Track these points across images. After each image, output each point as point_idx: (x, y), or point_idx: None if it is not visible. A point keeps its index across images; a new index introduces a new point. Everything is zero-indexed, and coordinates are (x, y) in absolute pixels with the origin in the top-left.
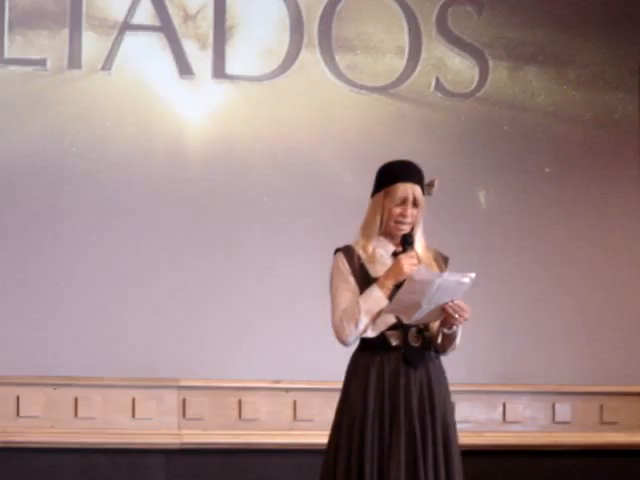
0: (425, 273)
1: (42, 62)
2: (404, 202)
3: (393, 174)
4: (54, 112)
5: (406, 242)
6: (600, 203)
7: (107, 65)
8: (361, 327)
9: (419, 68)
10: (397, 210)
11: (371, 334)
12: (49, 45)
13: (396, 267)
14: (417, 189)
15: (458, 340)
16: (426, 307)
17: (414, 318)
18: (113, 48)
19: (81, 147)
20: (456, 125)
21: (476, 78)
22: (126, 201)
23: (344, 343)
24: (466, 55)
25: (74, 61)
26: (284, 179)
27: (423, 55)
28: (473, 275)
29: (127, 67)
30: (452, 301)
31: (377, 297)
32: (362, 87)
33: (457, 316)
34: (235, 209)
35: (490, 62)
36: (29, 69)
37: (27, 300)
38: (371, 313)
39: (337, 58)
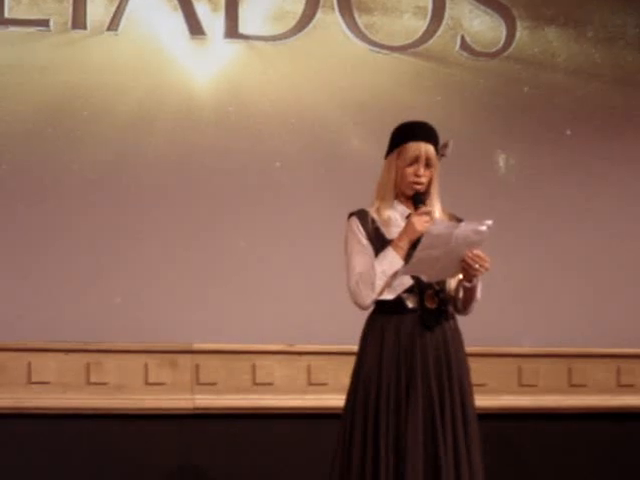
0: (442, 226)
1: (45, 23)
2: (416, 161)
3: (404, 133)
4: (59, 75)
5: (417, 201)
6: (622, 164)
7: (113, 26)
8: (378, 289)
9: (442, 28)
10: (410, 170)
11: (388, 296)
12: (52, 5)
13: (409, 227)
14: (430, 148)
15: (479, 294)
16: (446, 261)
17: (434, 275)
18: (119, 8)
19: (89, 111)
20: (476, 87)
21: (502, 38)
22: (135, 165)
23: (361, 306)
24: (491, 12)
25: (78, 21)
26: (297, 144)
27: (447, 14)
28: (490, 222)
29: (134, 28)
30: (471, 252)
31: (392, 258)
32: (382, 46)
33: (477, 266)
34: (246, 174)
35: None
36: (31, 30)
37: (37, 266)
38: (387, 275)
39: (356, 17)
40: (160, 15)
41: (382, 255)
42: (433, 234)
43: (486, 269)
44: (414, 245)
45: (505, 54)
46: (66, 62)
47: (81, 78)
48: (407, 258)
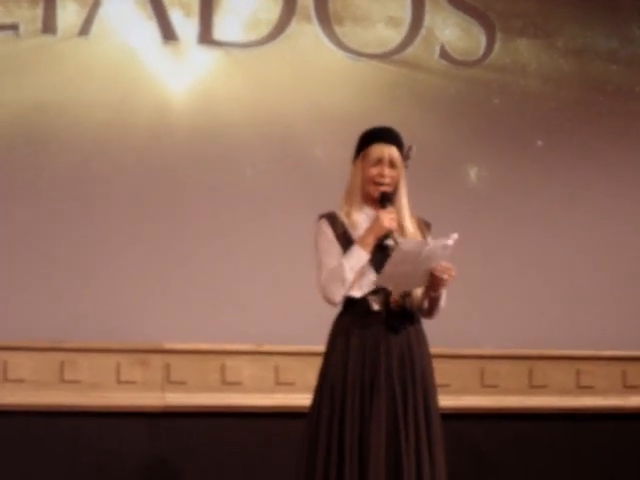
0: (412, 243)
1: (14, 27)
2: (380, 162)
3: (368, 137)
4: (28, 80)
5: (383, 200)
6: (593, 174)
7: (84, 30)
8: (347, 285)
9: (419, 37)
10: (374, 171)
11: (357, 294)
12: (22, 10)
13: (375, 223)
14: (393, 150)
15: (443, 302)
16: (414, 275)
17: (401, 287)
18: (91, 12)
19: (60, 117)
20: (449, 96)
21: (481, 48)
22: (108, 171)
23: (332, 302)
24: (471, 21)
25: (49, 26)
26: (269, 151)
27: (425, 22)
28: (456, 236)
29: (106, 33)
30: (439, 264)
31: (359, 254)
32: (359, 54)
33: (445, 277)
34: (218, 181)
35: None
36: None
37: (12, 266)
38: (354, 270)
39: (334, 26)
40: (132, 20)
41: (349, 252)
42: (403, 250)
43: (452, 277)
44: (382, 246)
45: (485, 63)
46: (37, 67)
47: (52, 84)
48: (373, 253)
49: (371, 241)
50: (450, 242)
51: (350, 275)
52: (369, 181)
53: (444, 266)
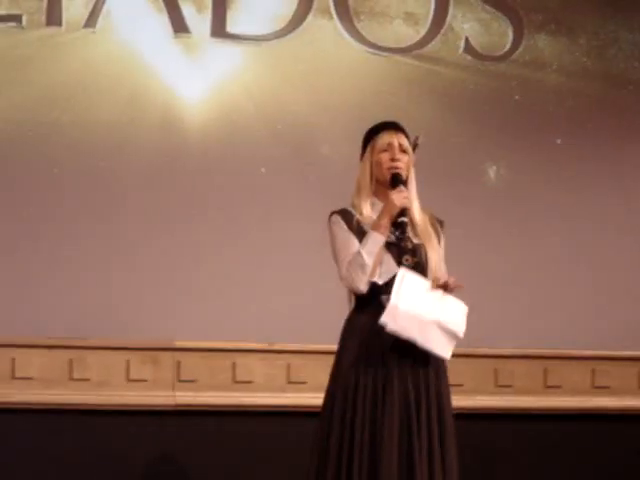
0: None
1: (17, 18)
2: (390, 147)
3: (375, 128)
4: (33, 74)
5: (395, 181)
6: (614, 173)
7: (90, 23)
8: (368, 271)
9: (431, 29)
10: (385, 156)
11: (379, 281)
12: (27, 0)
13: (388, 204)
14: (401, 137)
15: None
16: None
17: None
18: (97, 4)
19: (65, 113)
20: (467, 93)
21: (508, 43)
22: (121, 169)
23: (357, 291)
24: (497, 14)
25: (53, 18)
26: (283, 149)
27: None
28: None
29: (113, 26)
30: (450, 283)
31: (374, 237)
32: (380, 48)
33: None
34: (231, 179)
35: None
36: (2, 26)
37: (21, 263)
38: (373, 254)
39: (353, 19)
40: (141, 11)
41: (364, 239)
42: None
43: (461, 286)
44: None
45: (511, 58)
46: (41, 61)
47: (58, 79)
48: (389, 234)
49: (386, 222)
50: (427, 284)
51: (369, 260)
52: (381, 166)
53: (454, 282)
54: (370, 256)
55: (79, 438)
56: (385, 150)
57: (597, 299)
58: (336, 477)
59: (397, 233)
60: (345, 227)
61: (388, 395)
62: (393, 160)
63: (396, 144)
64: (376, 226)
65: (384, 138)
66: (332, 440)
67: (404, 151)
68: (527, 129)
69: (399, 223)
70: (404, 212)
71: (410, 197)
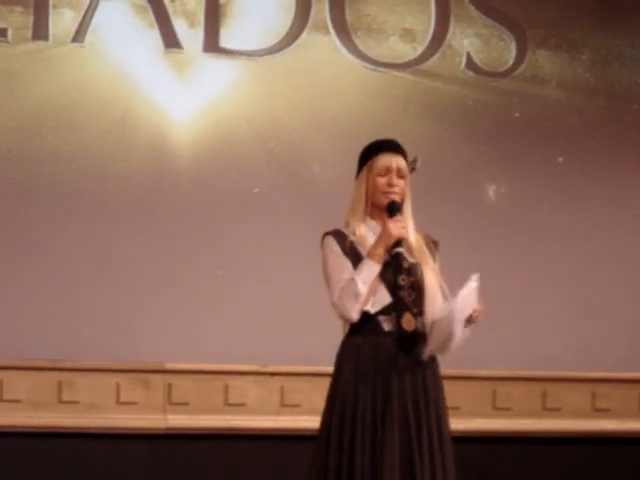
0: (444, 308)
1: (3, 32)
2: (388, 171)
3: (373, 148)
4: (18, 90)
5: (392, 209)
6: (615, 191)
7: (78, 38)
8: (361, 300)
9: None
10: (382, 180)
11: (371, 309)
12: (13, 14)
13: (384, 233)
14: (400, 159)
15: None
16: (458, 329)
17: (454, 344)
18: (85, 18)
19: (53, 132)
20: (465, 110)
21: (511, 58)
22: (108, 188)
23: (349, 319)
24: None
25: (40, 32)
26: (276, 168)
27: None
28: (476, 276)
29: (102, 40)
30: (475, 310)
31: (369, 266)
32: (378, 64)
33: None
34: (224, 199)
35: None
36: None
37: (10, 284)
38: (367, 283)
39: (351, 35)
40: (132, 26)
41: (359, 266)
42: (440, 320)
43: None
44: (391, 258)
45: (514, 74)
46: (28, 76)
47: (46, 93)
48: (384, 264)
49: (381, 252)
50: (474, 284)
51: (363, 289)
52: (377, 191)
53: (479, 311)
54: (365, 285)
55: (68, 462)
56: (382, 175)
57: (596, 320)
58: None
59: (393, 263)
60: (339, 250)
61: (388, 419)
62: (390, 185)
63: (394, 168)
64: (371, 255)
65: (382, 160)
66: (330, 465)
67: (402, 176)
68: (528, 147)
69: (395, 254)
70: (400, 242)
71: (406, 222)
